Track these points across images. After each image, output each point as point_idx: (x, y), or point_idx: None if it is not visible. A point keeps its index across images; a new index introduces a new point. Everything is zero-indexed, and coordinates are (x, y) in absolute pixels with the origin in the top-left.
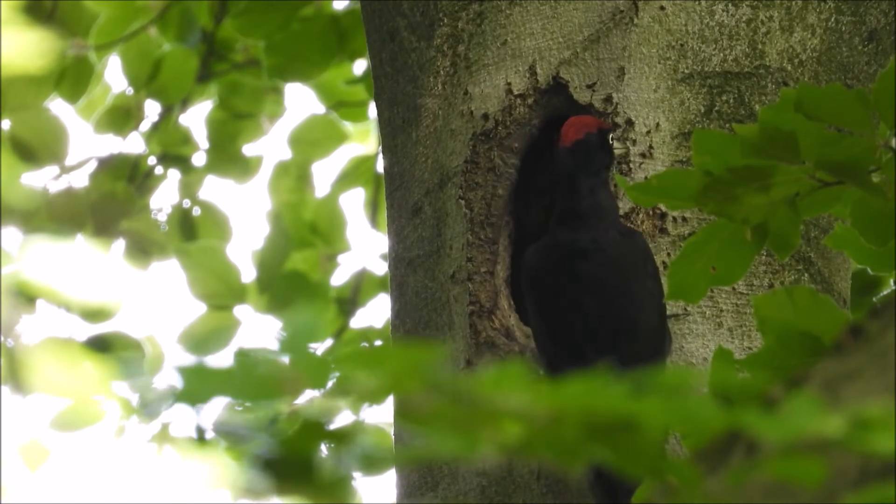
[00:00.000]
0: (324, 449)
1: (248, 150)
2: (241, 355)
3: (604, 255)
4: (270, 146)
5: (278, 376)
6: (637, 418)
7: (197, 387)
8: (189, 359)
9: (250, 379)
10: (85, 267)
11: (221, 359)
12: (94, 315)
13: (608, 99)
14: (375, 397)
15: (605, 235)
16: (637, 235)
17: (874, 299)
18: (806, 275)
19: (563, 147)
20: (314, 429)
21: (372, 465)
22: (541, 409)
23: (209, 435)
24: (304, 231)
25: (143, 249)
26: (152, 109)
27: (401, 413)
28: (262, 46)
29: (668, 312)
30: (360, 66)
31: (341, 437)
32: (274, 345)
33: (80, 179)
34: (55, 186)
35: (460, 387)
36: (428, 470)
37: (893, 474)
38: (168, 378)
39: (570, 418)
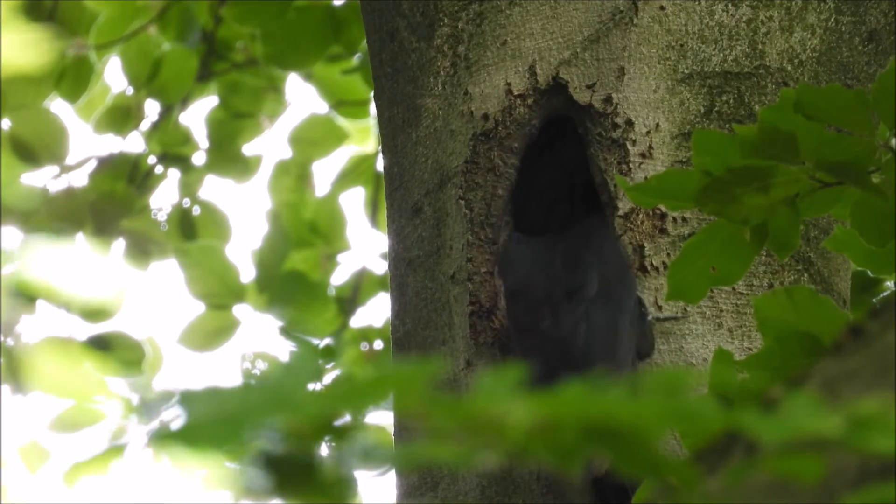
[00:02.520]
0: (325, 448)
1: (248, 149)
2: (243, 390)
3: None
4: (270, 145)
5: (279, 418)
6: (635, 421)
7: (199, 435)
8: (187, 394)
9: (252, 421)
10: (85, 266)
11: (222, 392)
12: (93, 315)
13: (608, 99)
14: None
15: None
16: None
17: (874, 299)
18: (806, 275)
19: None
20: (318, 424)
21: (373, 462)
22: (538, 417)
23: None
24: (303, 230)
25: (142, 249)
26: (152, 109)
27: (400, 422)
28: (258, 35)
29: (665, 315)
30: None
31: (343, 433)
32: (274, 378)
33: (79, 179)
34: (55, 186)
35: (457, 400)
36: (428, 470)
37: (893, 474)
38: (168, 407)
39: (568, 424)
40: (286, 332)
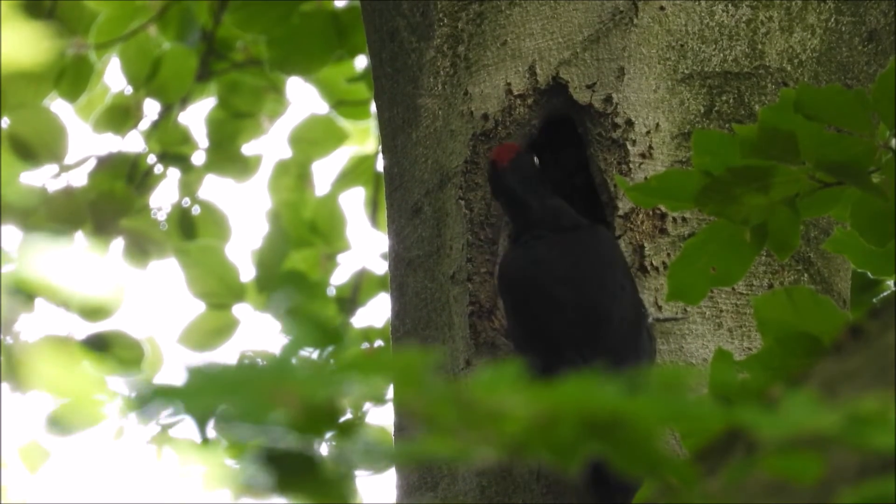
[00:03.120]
0: (325, 447)
1: (248, 149)
2: (242, 365)
3: (562, 255)
4: (270, 145)
5: (277, 388)
6: (634, 417)
7: (197, 396)
8: (190, 366)
9: (249, 390)
10: (84, 265)
11: (222, 365)
12: (92, 313)
13: (608, 99)
14: (375, 398)
15: (558, 234)
16: (599, 228)
17: (874, 299)
18: (806, 275)
19: (501, 169)
20: (319, 417)
21: (373, 460)
22: (537, 410)
23: (210, 434)
24: (303, 230)
25: (142, 249)
26: (152, 108)
27: (400, 415)
28: (262, 41)
29: (665, 315)
30: (361, 62)
31: (344, 430)
32: (275, 353)
33: (79, 178)
34: (54, 185)
35: (457, 390)
36: (428, 470)
37: (893, 470)
38: (166, 383)
39: (567, 418)
40: (289, 316)
